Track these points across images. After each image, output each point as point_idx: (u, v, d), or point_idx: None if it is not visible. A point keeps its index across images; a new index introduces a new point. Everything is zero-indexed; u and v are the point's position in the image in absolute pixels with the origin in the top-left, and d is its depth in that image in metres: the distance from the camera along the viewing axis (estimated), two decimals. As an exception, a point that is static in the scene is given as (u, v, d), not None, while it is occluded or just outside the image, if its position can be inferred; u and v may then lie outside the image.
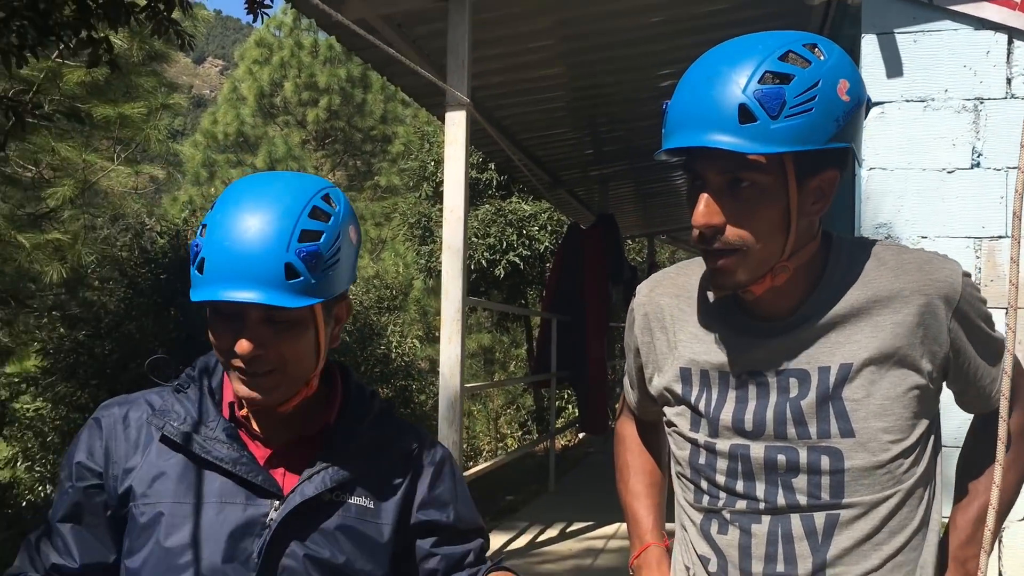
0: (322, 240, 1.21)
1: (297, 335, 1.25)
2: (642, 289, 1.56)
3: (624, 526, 4.96)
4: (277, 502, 1.27)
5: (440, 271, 14.54)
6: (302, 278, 1.19)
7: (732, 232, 1.26)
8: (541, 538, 4.74)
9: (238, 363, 1.24)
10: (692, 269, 1.50)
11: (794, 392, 1.33)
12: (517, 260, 12.02)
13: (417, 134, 16.01)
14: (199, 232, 1.23)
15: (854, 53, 3.64)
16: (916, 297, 1.33)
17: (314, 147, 20.86)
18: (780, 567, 1.33)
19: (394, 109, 21.39)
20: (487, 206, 12.20)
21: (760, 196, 1.24)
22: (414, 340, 14.18)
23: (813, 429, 1.32)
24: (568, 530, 4.83)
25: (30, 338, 11.42)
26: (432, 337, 18.03)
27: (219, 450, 1.28)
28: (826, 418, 1.31)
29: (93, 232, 11.99)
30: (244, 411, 1.33)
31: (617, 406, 1.79)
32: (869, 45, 3.51)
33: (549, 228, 12.11)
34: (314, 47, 20.40)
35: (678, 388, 1.44)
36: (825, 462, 1.31)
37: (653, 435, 1.70)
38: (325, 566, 1.28)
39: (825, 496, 1.32)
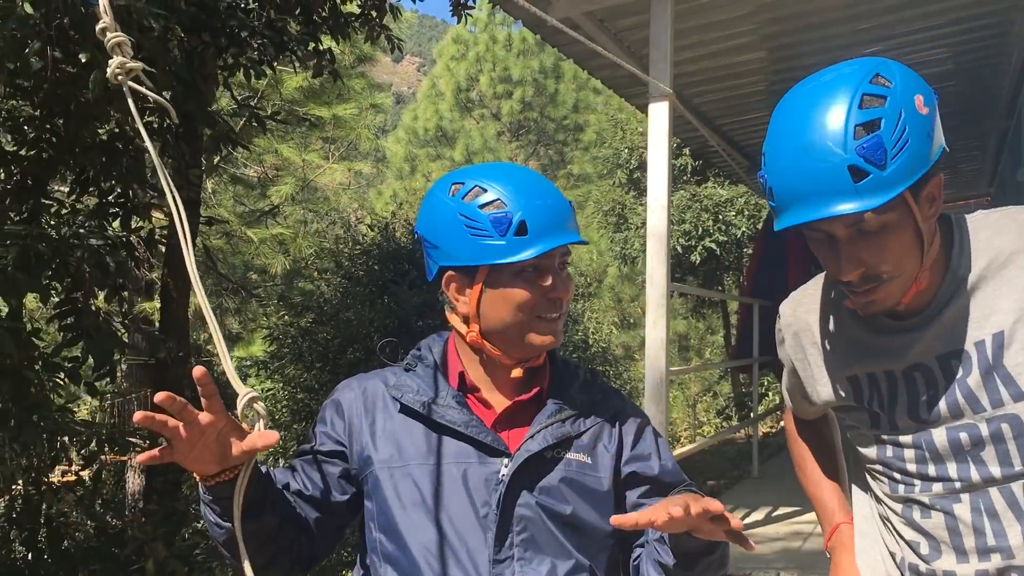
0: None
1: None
2: (785, 310, 1.61)
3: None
4: (506, 459, 1.43)
5: (635, 258, 14.54)
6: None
7: (874, 270, 1.30)
8: (747, 521, 4.74)
9: (550, 311, 1.44)
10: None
11: (959, 373, 1.37)
12: (713, 246, 11.85)
13: (610, 122, 16.07)
14: (483, 209, 1.41)
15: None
16: None
17: (509, 138, 21.37)
18: (991, 540, 1.37)
19: (586, 98, 21.53)
20: (682, 192, 12.11)
21: (890, 232, 1.28)
22: (610, 326, 14.27)
23: (985, 401, 1.35)
24: (774, 514, 4.81)
25: (256, 325, 12.43)
26: (626, 324, 18.10)
27: (452, 415, 1.45)
28: (995, 388, 1.34)
29: (304, 226, 12.87)
30: (470, 380, 1.50)
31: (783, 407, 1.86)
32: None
33: (746, 213, 11.86)
34: (508, 41, 20.86)
35: (849, 396, 1.50)
36: (1007, 429, 1.34)
37: (822, 422, 1.79)
38: (555, 515, 1.42)
39: (1018, 464, 1.34)
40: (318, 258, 10.80)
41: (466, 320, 1.48)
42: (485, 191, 1.41)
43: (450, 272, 1.47)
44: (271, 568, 1.46)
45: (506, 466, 1.42)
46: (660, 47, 3.91)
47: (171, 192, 1.53)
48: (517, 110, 20.94)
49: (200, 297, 1.39)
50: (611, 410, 1.54)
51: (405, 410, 1.48)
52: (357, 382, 1.56)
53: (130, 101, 1.79)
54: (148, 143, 1.59)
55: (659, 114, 3.95)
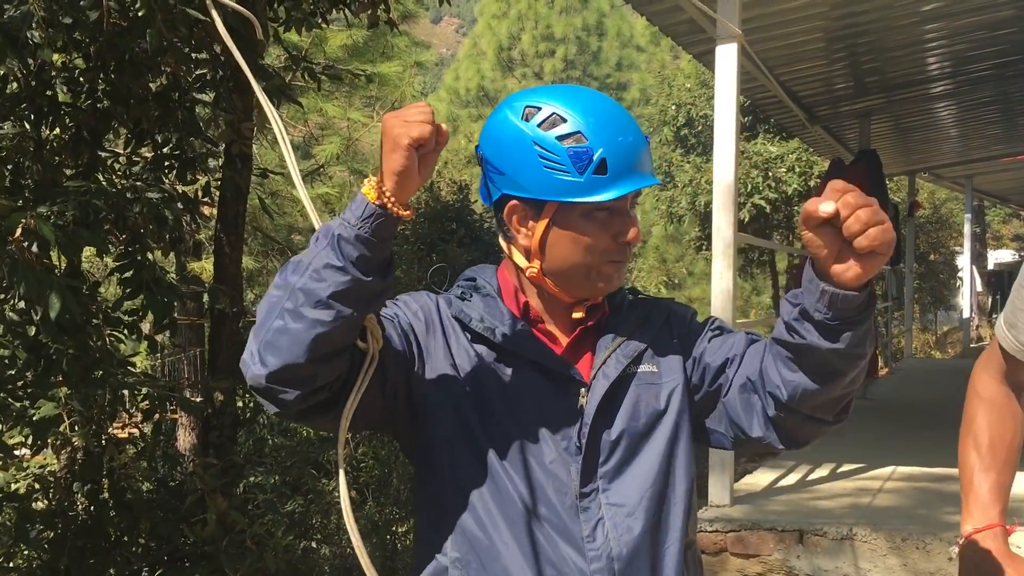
0: None
1: None
2: None
3: (900, 469, 4.72)
4: (583, 389, 1.36)
5: (681, 216, 14.31)
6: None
7: None
8: (811, 477, 4.65)
9: (619, 256, 1.37)
10: None
11: None
12: (763, 203, 11.67)
13: (657, 78, 15.84)
14: (562, 141, 1.29)
15: None
16: None
17: (551, 98, 21.15)
18: None
19: (629, 56, 21.28)
20: (731, 148, 11.91)
21: None
22: (659, 286, 14.14)
23: None
24: (839, 470, 4.70)
25: (301, 285, 12.46)
26: (672, 284, 17.95)
27: (526, 344, 1.37)
28: None
29: (348, 188, 12.84)
30: (535, 310, 1.42)
31: (984, 354, 1.62)
32: None
33: (797, 170, 11.64)
34: (550, -3, 20.60)
35: None
36: None
37: (1020, 399, 1.57)
38: (637, 435, 1.37)
39: None
40: (364, 218, 10.75)
41: (527, 254, 1.39)
42: (564, 121, 1.30)
43: (514, 202, 1.36)
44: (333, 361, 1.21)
45: (583, 396, 1.36)
46: (728, -14, 3.76)
47: (272, 113, 1.49)
48: (560, 69, 20.71)
49: (295, 177, 1.43)
50: (663, 314, 1.50)
51: (475, 338, 1.39)
52: (426, 297, 1.43)
53: (214, 12, 1.73)
54: (240, 60, 1.53)
55: (726, 57, 3.80)
